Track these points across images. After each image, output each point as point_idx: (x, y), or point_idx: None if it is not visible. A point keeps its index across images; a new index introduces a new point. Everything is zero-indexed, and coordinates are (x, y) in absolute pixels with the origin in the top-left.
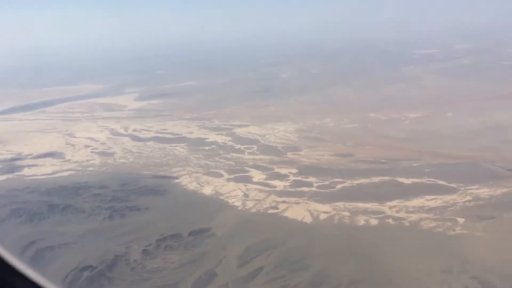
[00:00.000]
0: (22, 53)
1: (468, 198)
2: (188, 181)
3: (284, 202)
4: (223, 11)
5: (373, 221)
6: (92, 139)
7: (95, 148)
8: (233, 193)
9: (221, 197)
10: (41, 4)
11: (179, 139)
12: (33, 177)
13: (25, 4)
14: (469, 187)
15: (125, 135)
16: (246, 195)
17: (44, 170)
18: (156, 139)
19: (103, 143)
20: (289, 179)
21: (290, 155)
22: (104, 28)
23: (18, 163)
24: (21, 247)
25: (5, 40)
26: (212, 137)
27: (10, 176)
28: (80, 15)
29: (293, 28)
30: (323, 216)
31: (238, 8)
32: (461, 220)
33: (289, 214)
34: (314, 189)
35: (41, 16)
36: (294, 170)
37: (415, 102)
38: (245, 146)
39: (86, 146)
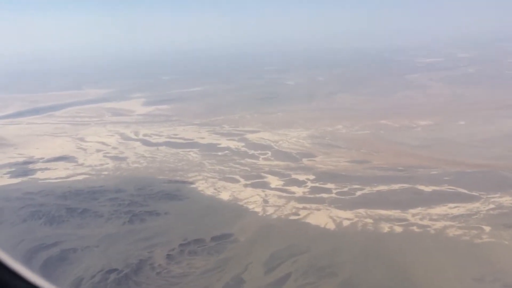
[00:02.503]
0: (26, 57)
1: (491, 206)
2: (204, 186)
3: (304, 208)
4: (225, 18)
5: (398, 229)
6: (103, 143)
7: (107, 153)
8: (252, 198)
9: (240, 203)
10: (44, 9)
11: (191, 144)
12: (47, 181)
13: (28, 9)
14: (491, 196)
15: (136, 140)
16: (265, 201)
17: (58, 173)
18: (168, 144)
19: (114, 148)
20: (307, 185)
21: (305, 161)
22: (106, 33)
23: (31, 166)
24: (44, 248)
25: (9, 45)
26: (224, 142)
27: (24, 179)
28: (81, 20)
29: (296, 37)
30: (346, 223)
31: (241, 16)
32: (487, 228)
33: (311, 220)
34: (333, 195)
35: (44, 21)
36: (312, 177)
37: (424, 110)
38: (259, 152)
39: (98, 151)
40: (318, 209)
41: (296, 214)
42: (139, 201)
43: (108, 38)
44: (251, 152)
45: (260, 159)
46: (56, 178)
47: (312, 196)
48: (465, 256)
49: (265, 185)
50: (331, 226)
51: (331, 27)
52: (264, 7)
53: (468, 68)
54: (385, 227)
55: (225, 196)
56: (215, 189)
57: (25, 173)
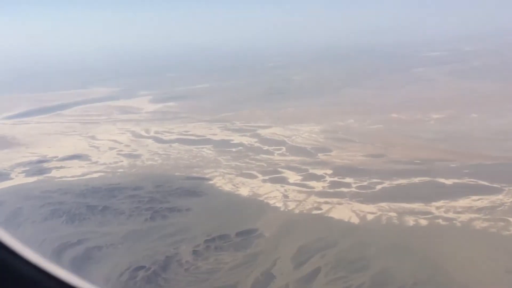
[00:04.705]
0: (30, 57)
1: None
2: (222, 182)
3: (326, 202)
4: (226, 16)
5: (423, 222)
6: (115, 141)
7: (121, 150)
8: (271, 194)
9: (260, 198)
10: (45, 9)
11: (204, 141)
12: (64, 179)
13: (32, 8)
14: None
15: (147, 137)
16: (285, 196)
17: (73, 172)
18: (180, 141)
19: (127, 145)
20: (326, 180)
21: (321, 156)
22: (107, 32)
23: (45, 165)
24: (68, 246)
25: (12, 45)
26: (237, 138)
27: (40, 177)
28: (79, 19)
29: (298, 34)
30: (369, 217)
31: (241, 13)
32: None
33: (334, 214)
34: (353, 189)
35: (44, 20)
36: (329, 171)
37: (435, 103)
38: (273, 147)
39: (111, 148)
40: (340, 203)
41: (318, 208)
42: (159, 198)
43: (108, 37)
44: (265, 147)
45: (275, 154)
46: (72, 176)
47: (332, 190)
48: (495, 248)
49: (283, 180)
50: (355, 220)
51: (330, 25)
52: (263, 6)
53: (474, 61)
54: (410, 221)
55: (244, 191)
56: (233, 185)
57: (40, 171)
